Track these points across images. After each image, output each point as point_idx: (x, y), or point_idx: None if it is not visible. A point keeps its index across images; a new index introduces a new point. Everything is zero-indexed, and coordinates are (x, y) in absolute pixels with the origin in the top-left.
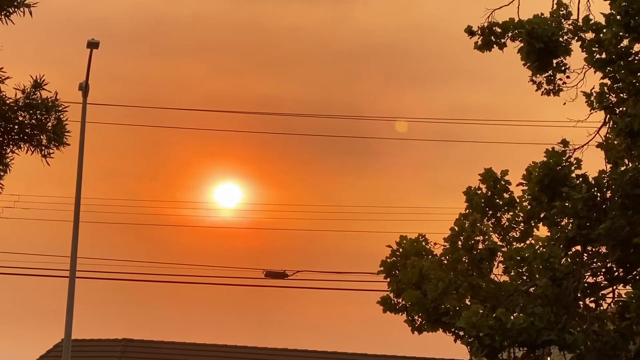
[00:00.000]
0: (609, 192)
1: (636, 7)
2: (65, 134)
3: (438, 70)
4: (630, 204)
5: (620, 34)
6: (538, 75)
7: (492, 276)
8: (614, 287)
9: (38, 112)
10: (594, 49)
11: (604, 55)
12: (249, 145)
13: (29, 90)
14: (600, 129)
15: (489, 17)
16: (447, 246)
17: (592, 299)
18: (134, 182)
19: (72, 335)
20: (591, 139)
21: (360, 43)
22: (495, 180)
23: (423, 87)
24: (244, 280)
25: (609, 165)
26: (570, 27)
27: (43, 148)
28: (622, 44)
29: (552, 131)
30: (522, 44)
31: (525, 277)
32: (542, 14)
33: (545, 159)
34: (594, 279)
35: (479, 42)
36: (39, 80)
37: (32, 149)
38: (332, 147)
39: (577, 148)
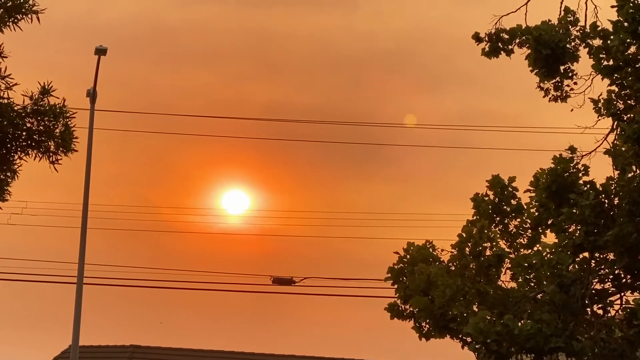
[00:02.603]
0: (616, 198)
1: None
2: (73, 140)
3: (445, 76)
4: (638, 210)
5: (628, 40)
6: (545, 82)
7: (500, 283)
8: (622, 294)
9: (46, 118)
10: (601, 55)
11: (611, 62)
12: (256, 151)
13: (36, 96)
14: (607, 135)
15: (496, 23)
16: (455, 253)
17: (599, 305)
18: (141, 189)
19: (79, 341)
20: (599, 146)
21: (366, 49)
22: (503, 186)
23: (430, 93)
24: (251, 286)
25: (616, 172)
26: (578, 33)
27: (51, 154)
28: (629, 51)
29: (559, 138)
30: (529, 51)
31: (532, 284)
32: (549, 20)
33: (552, 165)
34: (602, 285)
35: (487, 49)
36: (46, 87)
37: (40, 156)
38: (339, 154)
39: (585, 155)
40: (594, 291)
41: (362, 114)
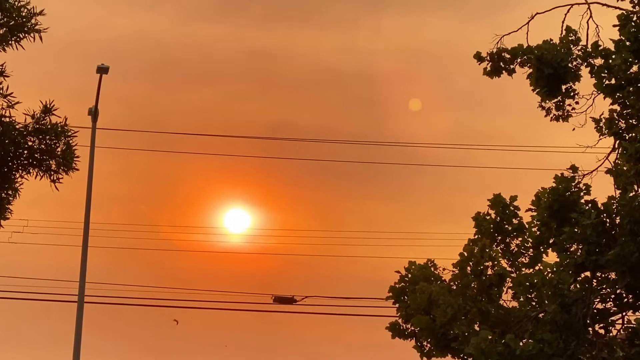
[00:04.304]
0: (618, 218)
1: None
2: (75, 159)
3: (445, 94)
4: None
5: (630, 60)
6: (547, 101)
7: (501, 302)
8: (624, 314)
9: (47, 137)
10: (603, 74)
11: (613, 81)
12: (257, 170)
13: (38, 115)
14: (609, 154)
15: (497, 42)
16: (456, 271)
17: (601, 325)
18: (142, 207)
19: None
20: (600, 165)
21: (366, 68)
22: (504, 205)
23: (431, 111)
24: (252, 305)
25: (618, 191)
26: (580, 53)
27: (52, 173)
28: (631, 70)
29: (561, 157)
30: (531, 70)
31: (534, 303)
32: (551, 39)
33: (554, 184)
34: (603, 305)
35: (488, 68)
36: (48, 106)
37: (41, 174)
38: (340, 172)
39: (587, 174)
40: (595, 311)
41: (364, 133)
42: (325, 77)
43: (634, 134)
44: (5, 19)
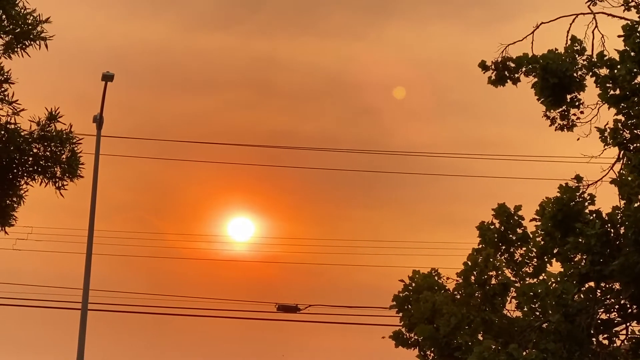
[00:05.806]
0: (622, 228)
1: None
2: (79, 166)
3: (449, 103)
4: None
5: (635, 70)
6: (552, 111)
7: (505, 311)
8: (628, 324)
9: (52, 144)
10: (608, 84)
11: (618, 92)
12: (261, 179)
13: (43, 122)
14: (614, 165)
15: (502, 52)
16: (460, 281)
17: (605, 335)
18: (147, 215)
19: None
20: (605, 175)
21: (369, 77)
22: (509, 215)
23: (435, 121)
24: (256, 314)
25: (622, 202)
26: (585, 62)
27: (57, 180)
28: (636, 80)
29: (565, 167)
30: (536, 79)
31: (538, 313)
32: (556, 49)
33: (558, 194)
34: (607, 315)
35: (493, 77)
36: (53, 113)
37: (46, 181)
38: (344, 181)
39: (591, 184)
40: (599, 321)
41: (368, 142)
42: (327, 86)
43: (638, 145)
44: (11, 27)
